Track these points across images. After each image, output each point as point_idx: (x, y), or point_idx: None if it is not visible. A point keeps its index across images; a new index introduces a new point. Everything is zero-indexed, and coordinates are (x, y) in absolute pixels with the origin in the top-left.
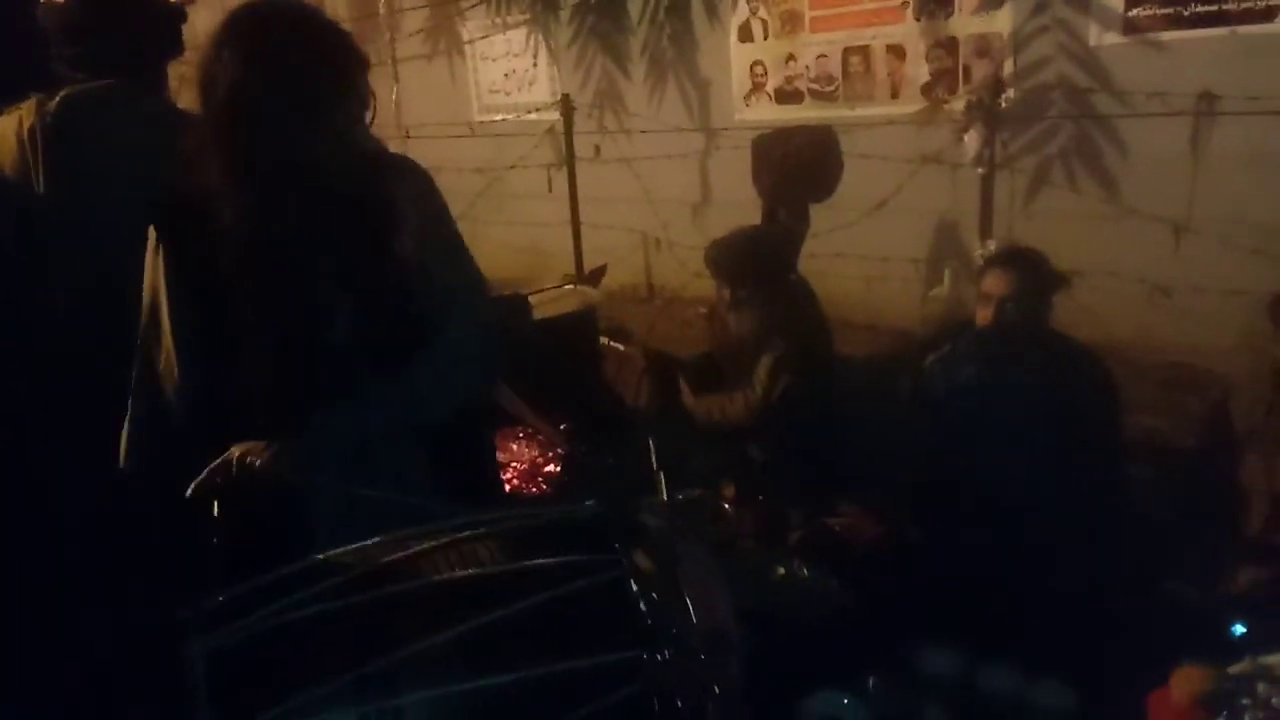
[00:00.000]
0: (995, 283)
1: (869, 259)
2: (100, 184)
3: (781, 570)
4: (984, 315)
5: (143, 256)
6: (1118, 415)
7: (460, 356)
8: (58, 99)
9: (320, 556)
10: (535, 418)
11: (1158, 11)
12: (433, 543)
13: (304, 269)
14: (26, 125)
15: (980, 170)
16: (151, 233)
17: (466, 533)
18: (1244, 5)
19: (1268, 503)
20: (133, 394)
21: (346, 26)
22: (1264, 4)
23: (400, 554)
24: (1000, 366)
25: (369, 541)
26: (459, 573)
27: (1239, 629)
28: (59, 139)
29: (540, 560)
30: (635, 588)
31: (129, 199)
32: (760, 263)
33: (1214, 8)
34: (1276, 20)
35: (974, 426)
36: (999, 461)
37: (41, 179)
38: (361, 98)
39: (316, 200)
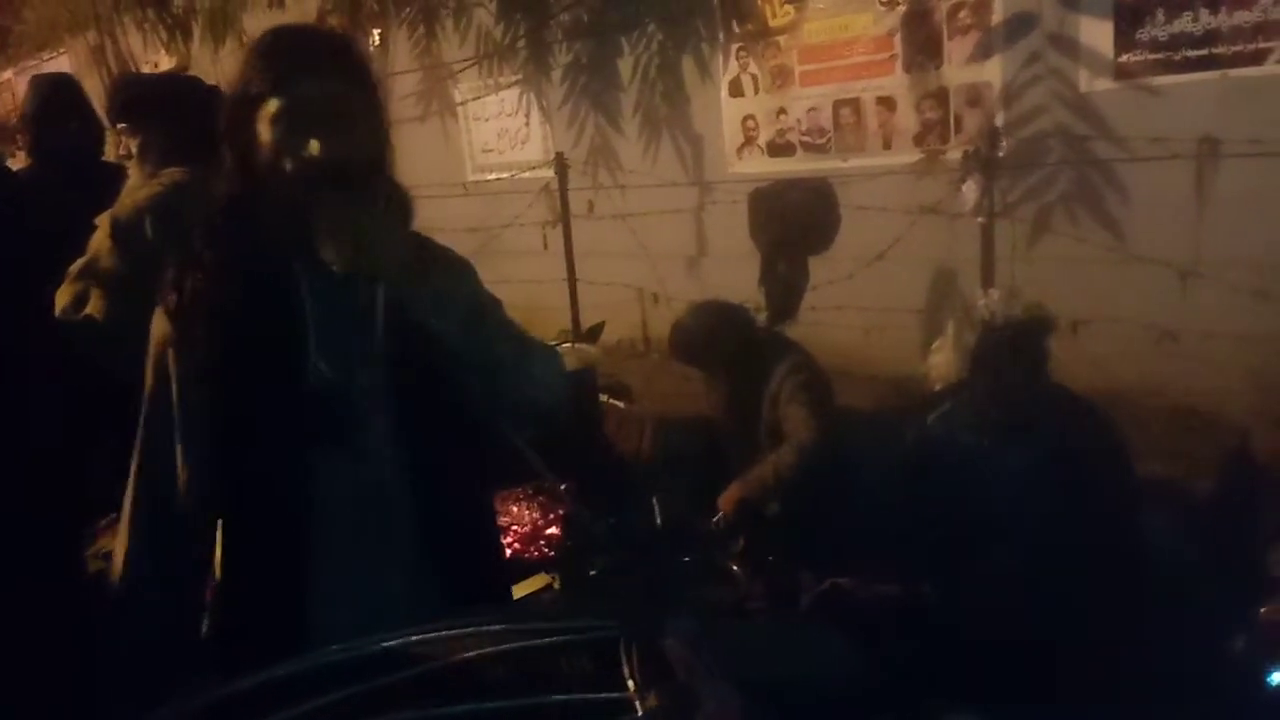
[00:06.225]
0: (992, 340)
1: (870, 310)
2: None
3: (795, 634)
4: (981, 374)
5: None
6: (1125, 465)
7: (548, 362)
8: None
9: (314, 656)
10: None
11: (1148, 57)
12: (436, 663)
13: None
14: None
15: (980, 219)
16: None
17: (472, 649)
18: (1234, 49)
19: None
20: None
21: None
22: (1253, 48)
23: (402, 674)
24: (1002, 425)
25: (368, 642)
26: (461, 707)
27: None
28: None
29: (548, 697)
30: None
31: None
32: (716, 342)
33: (1204, 52)
34: (1266, 63)
35: (978, 486)
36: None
37: None
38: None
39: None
